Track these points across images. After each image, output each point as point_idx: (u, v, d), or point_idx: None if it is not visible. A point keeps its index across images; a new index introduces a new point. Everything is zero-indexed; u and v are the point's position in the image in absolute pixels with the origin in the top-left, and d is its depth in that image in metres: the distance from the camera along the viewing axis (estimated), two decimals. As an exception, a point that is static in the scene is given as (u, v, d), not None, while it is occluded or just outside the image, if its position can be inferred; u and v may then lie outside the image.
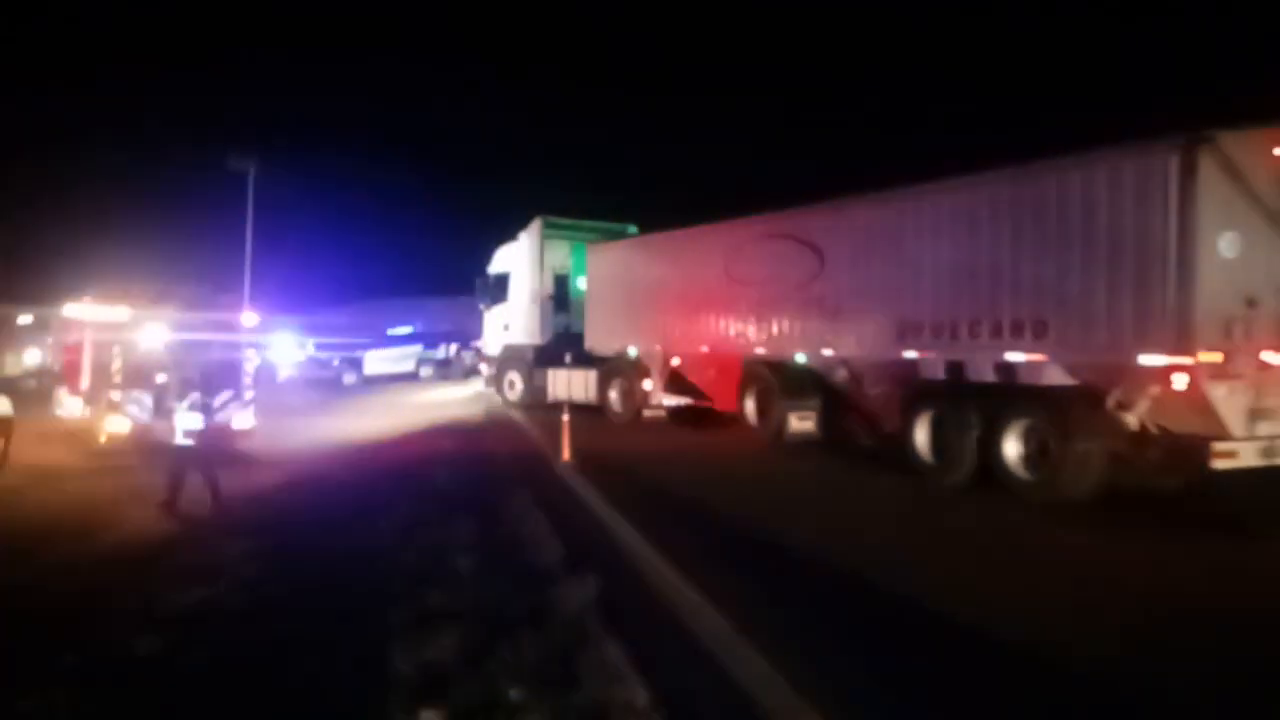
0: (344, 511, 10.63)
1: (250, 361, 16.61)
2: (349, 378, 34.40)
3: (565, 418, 14.60)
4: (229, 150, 21.70)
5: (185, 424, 11.03)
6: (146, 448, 14.91)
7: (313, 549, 8.64)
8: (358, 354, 35.25)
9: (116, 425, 14.99)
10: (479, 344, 25.75)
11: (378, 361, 36.49)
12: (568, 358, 20.83)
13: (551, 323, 21.71)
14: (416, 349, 36.27)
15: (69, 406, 16.43)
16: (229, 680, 5.31)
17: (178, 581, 7.34)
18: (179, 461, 10.93)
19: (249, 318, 17.51)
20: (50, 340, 24.17)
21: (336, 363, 36.54)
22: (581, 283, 21.05)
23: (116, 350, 15.76)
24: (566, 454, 13.67)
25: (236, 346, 16.61)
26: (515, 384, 22.22)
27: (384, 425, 20.13)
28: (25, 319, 30.77)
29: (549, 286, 21.68)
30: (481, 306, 23.73)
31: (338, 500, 11.52)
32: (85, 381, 16.00)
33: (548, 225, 21.65)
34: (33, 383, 21.50)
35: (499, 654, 5.45)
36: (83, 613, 6.66)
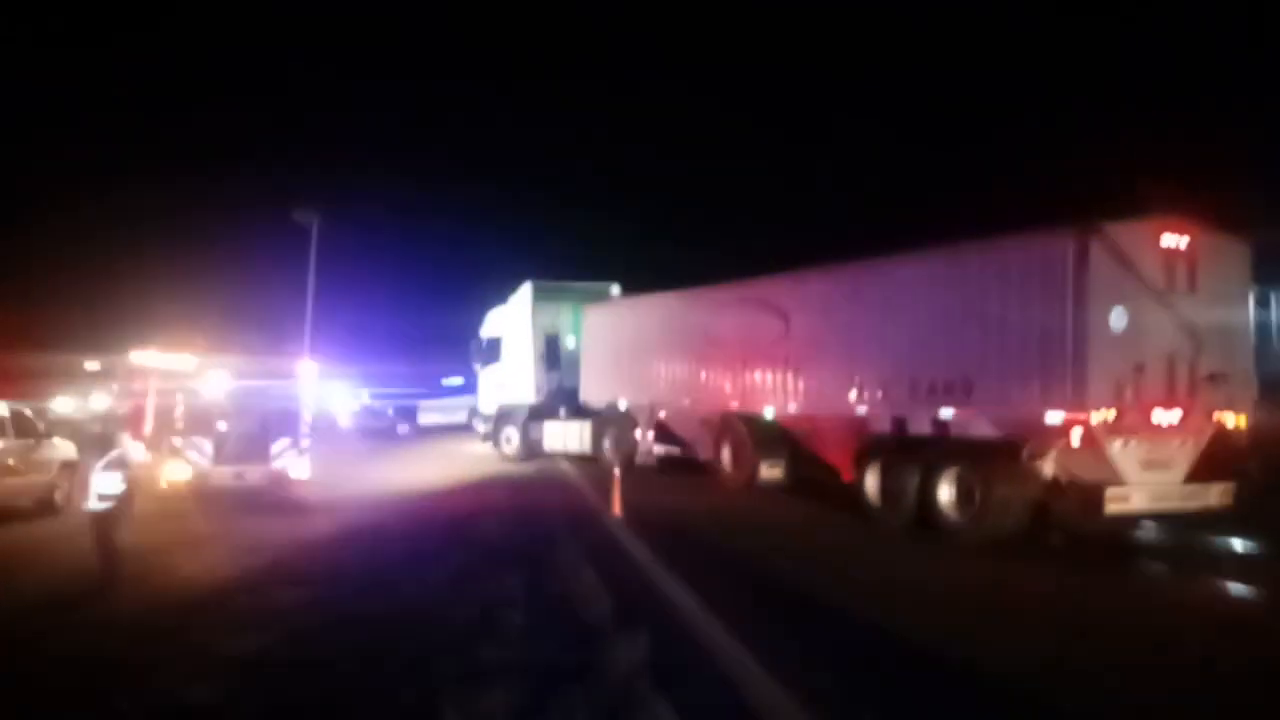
0: (396, 561, 10.67)
1: (307, 410, 16.87)
2: (402, 427, 34.82)
3: (616, 472, 14.61)
4: (293, 203, 22.30)
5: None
6: (205, 493, 15.21)
7: (365, 599, 8.66)
8: (411, 404, 35.68)
9: (177, 471, 15.26)
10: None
11: (431, 412, 36.91)
12: (561, 412, 22.29)
13: (545, 380, 22.97)
14: (469, 400, 36.63)
15: (133, 452, 16.78)
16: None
17: (232, 629, 7.39)
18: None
19: (308, 367, 17.83)
20: (116, 386, 24.81)
21: (390, 412, 36.98)
22: (570, 341, 22.84)
23: (179, 397, 16.11)
24: (617, 509, 13.65)
25: (295, 395, 16.89)
26: (512, 438, 23.35)
27: (436, 475, 20.30)
28: (93, 365, 31.67)
29: (541, 346, 23.01)
30: (476, 367, 25.08)
31: (390, 550, 11.57)
32: (148, 427, 16.35)
33: (537, 288, 23.20)
34: (98, 427, 22.02)
35: (550, 711, 5.41)
36: (139, 658, 6.72)
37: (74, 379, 31.67)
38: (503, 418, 23.64)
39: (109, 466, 10.22)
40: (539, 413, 22.78)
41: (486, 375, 24.71)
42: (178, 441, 15.48)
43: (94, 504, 9.98)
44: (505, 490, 17.94)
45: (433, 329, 24.89)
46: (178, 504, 14.75)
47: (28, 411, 14.94)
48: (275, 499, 15.31)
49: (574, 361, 22.65)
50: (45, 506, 13.90)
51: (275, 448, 15.69)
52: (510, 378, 23.61)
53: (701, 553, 11.20)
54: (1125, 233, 10.86)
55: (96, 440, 17.42)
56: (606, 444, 21.20)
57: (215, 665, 6.40)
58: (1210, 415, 11.29)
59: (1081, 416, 10.65)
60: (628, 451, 20.29)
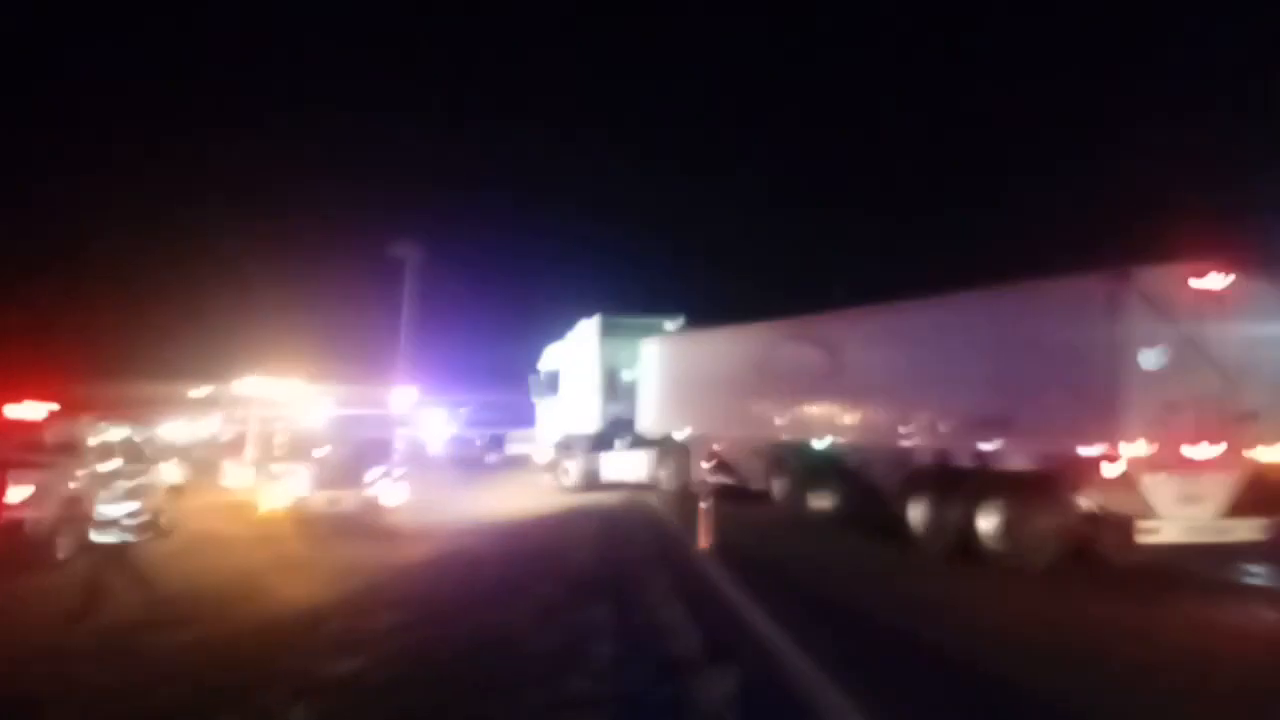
0: (486, 589, 10.79)
1: (401, 439, 17.23)
2: (491, 456, 35.20)
3: (703, 505, 14.51)
4: (392, 236, 22.91)
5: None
6: (303, 518, 15.63)
7: (457, 625, 8.78)
8: (500, 433, 36.05)
9: (276, 496, 15.71)
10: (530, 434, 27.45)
11: (519, 441, 37.24)
12: (620, 443, 22.77)
13: (605, 411, 23.15)
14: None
15: (234, 477, 17.36)
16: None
17: (329, 652, 7.56)
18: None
19: (402, 396, 18.23)
20: (220, 414, 25.70)
21: (480, 442, 37.47)
22: (628, 374, 23.07)
23: (280, 425, 16.63)
24: (704, 541, 13.56)
25: (390, 423, 17.28)
26: (571, 469, 23.53)
27: (525, 504, 20.46)
28: (198, 393, 32.88)
29: (603, 378, 23.28)
30: (534, 399, 25.49)
31: (480, 577, 11.70)
32: (250, 454, 16.90)
33: (602, 322, 23.49)
34: (203, 453, 22.83)
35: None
36: (240, 679, 6.92)
37: (179, 406, 32.92)
38: (563, 449, 24.04)
39: (120, 493, 9.46)
40: (598, 443, 23.18)
41: (545, 407, 25.16)
42: (277, 468, 15.95)
43: (98, 535, 9.21)
44: (592, 520, 17.99)
45: (521, 360, 25.40)
46: (276, 528, 15.18)
47: (138, 437, 15.58)
48: (369, 525, 15.65)
49: (632, 393, 23.05)
50: (153, 529, 14.41)
51: (369, 475, 16.06)
52: (571, 409, 23.98)
53: (783, 586, 11.13)
54: (1159, 275, 11.33)
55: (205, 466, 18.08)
56: (663, 474, 21.88)
57: (312, 687, 6.55)
58: (1244, 452, 11.40)
59: (1116, 452, 11.03)
60: (684, 481, 20.87)
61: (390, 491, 16.18)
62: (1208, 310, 11.33)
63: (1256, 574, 11.69)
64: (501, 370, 27.20)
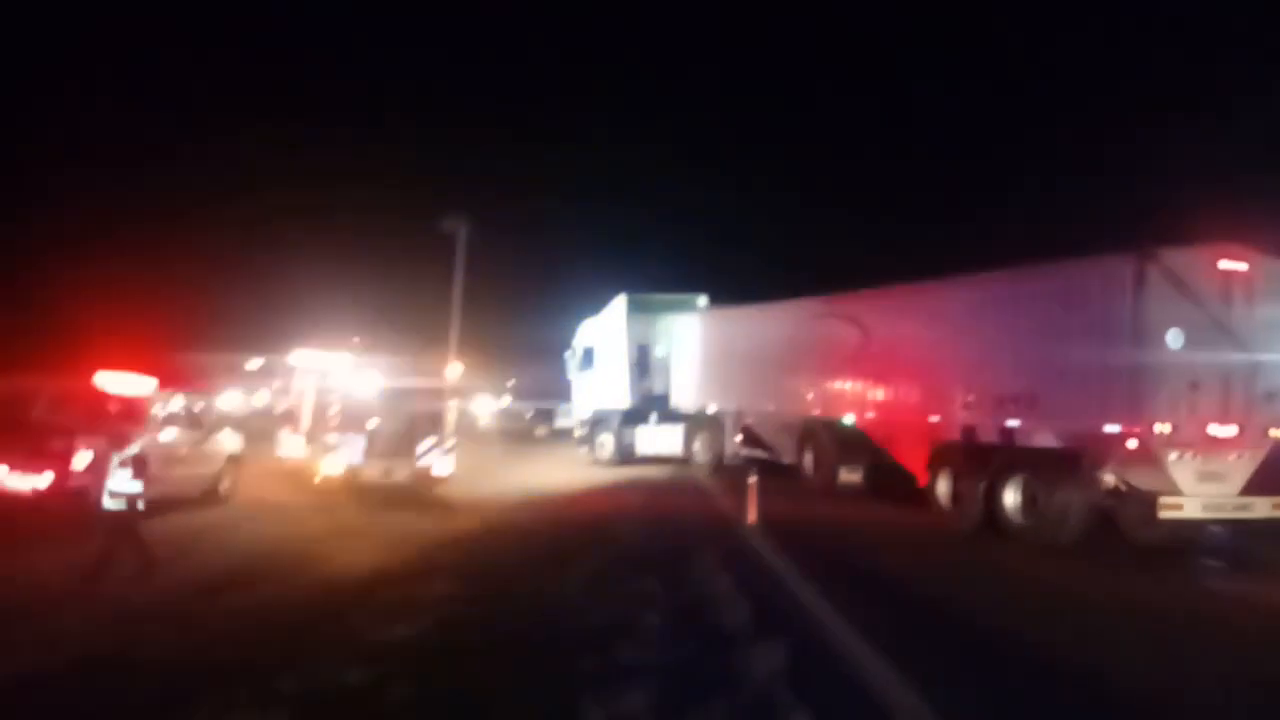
0: (536, 559, 10.89)
1: (451, 411, 17.39)
2: (540, 430, 35.48)
3: (751, 480, 14.49)
4: (441, 211, 23.05)
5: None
6: (356, 488, 15.88)
7: (506, 593, 8.87)
8: (549, 407, 36.32)
9: (331, 466, 15.97)
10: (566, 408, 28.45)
11: (568, 415, 37.42)
12: (653, 417, 23.30)
13: (637, 386, 23.70)
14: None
15: (290, 446, 17.66)
16: (432, 716, 5.50)
17: (383, 617, 7.67)
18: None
19: (453, 369, 18.40)
20: (276, 384, 26.17)
21: (529, 415, 37.74)
22: (660, 350, 23.75)
23: (334, 396, 16.88)
24: (752, 516, 13.57)
25: (441, 396, 17.45)
26: (606, 443, 23.95)
27: (572, 478, 20.62)
28: (254, 364, 33.52)
29: (634, 354, 23.76)
30: (569, 375, 26.02)
31: (530, 547, 11.82)
32: (305, 424, 17.18)
33: (631, 300, 23.98)
34: (259, 423, 23.26)
35: (690, 714, 5.42)
36: (297, 641, 7.06)
37: (236, 377, 33.59)
38: (597, 423, 24.40)
39: (125, 464, 9.61)
40: (632, 418, 23.60)
41: (580, 382, 25.56)
42: (332, 438, 16.20)
43: (109, 503, 9.40)
44: (640, 493, 18.08)
45: (566, 336, 25.72)
46: (330, 497, 15.45)
47: (197, 406, 15.90)
48: (420, 495, 15.86)
49: (664, 369, 23.71)
50: (212, 496, 14.74)
51: (421, 446, 16.25)
52: (604, 385, 24.38)
53: (826, 558, 11.16)
54: (1183, 257, 11.49)
55: (261, 435, 18.41)
56: (696, 447, 22.54)
57: (367, 651, 6.65)
58: (1266, 431, 11.72)
59: (1138, 429, 11.31)
60: (716, 454, 21.70)
61: (441, 463, 16.36)
62: (1232, 291, 11.55)
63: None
64: (549, 345, 27.39)
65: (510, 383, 42.58)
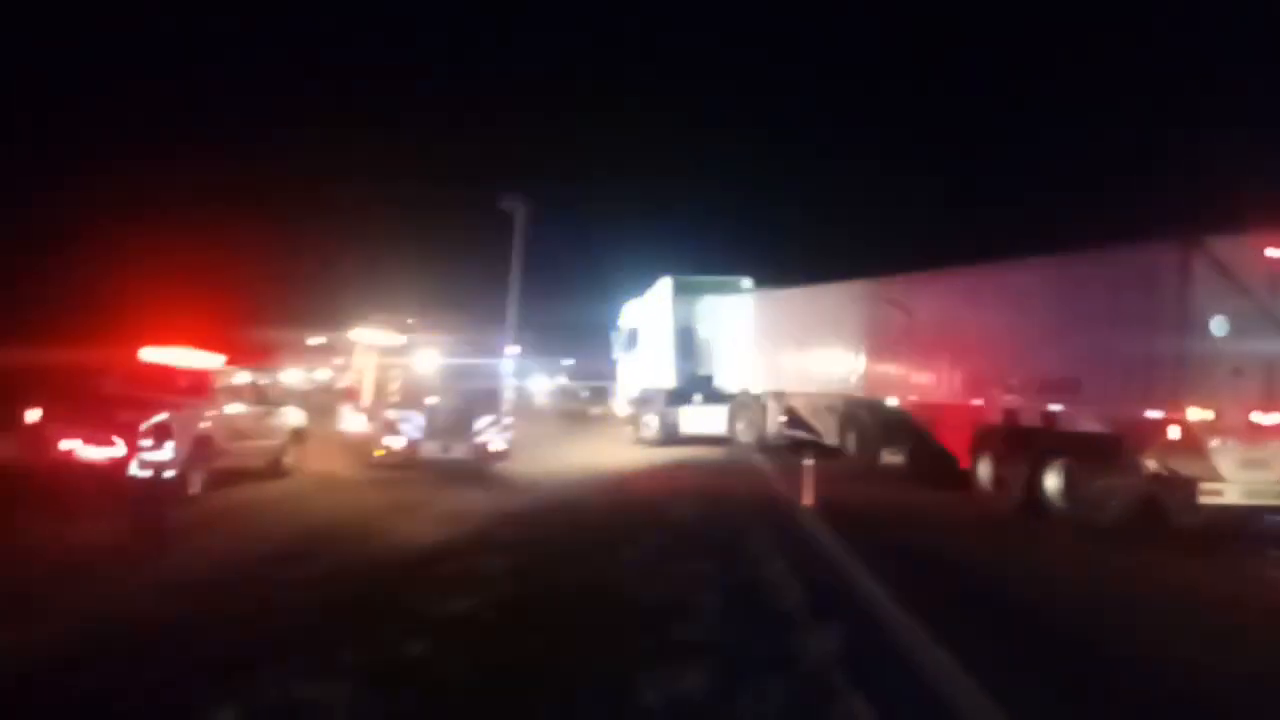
0: (591, 536, 10.96)
1: (509, 389, 17.54)
2: (596, 409, 35.64)
3: (808, 463, 14.43)
4: (499, 189, 23.14)
5: None
6: (415, 464, 16.12)
7: (564, 571, 8.94)
8: (605, 386, 36.45)
9: (391, 441, 16.22)
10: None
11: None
12: (697, 398, 23.55)
13: (681, 367, 23.87)
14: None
15: (351, 422, 17.96)
16: (489, 689, 5.57)
17: (443, 591, 7.78)
18: None
19: (511, 348, 18.53)
20: (337, 360, 26.59)
21: (585, 394, 37.92)
22: (704, 331, 23.98)
23: (395, 372, 17.12)
24: (808, 498, 13.50)
25: (498, 374, 17.60)
26: (651, 423, 24.14)
27: (626, 457, 20.71)
28: (316, 340, 34.07)
29: (678, 335, 23.96)
30: (616, 356, 26.23)
31: (585, 525, 11.90)
32: (366, 399, 17.45)
33: (676, 282, 24.20)
34: (322, 397, 23.67)
35: (745, 695, 5.41)
36: (358, 613, 7.19)
37: (299, 353, 34.19)
38: (643, 403, 24.61)
39: (148, 433, 9.86)
40: (676, 398, 23.85)
41: (626, 363, 25.78)
42: (392, 414, 16.45)
43: (137, 471, 9.75)
44: (695, 473, 18.10)
45: (616, 316, 26.10)
46: (389, 473, 15.71)
47: (263, 381, 16.23)
48: (478, 472, 16.05)
49: (708, 350, 23.91)
50: (276, 469, 15.07)
51: (479, 424, 16.43)
52: (649, 365, 24.59)
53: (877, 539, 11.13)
54: (1229, 245, 11.41)
55: (323, 409, 18.74)
56: (740, 427, 22.82)
57: (426, 624, 6.75)
58: None
59: (1180, 416, 11.31)
60: (759, 434, 22.05)
61: (499, 440, 16.52)
62: (1278, 279, 11.48)
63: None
64: (604, 325, 27.55)
65: (566, 362, 42.78)
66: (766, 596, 8.05)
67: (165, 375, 13.71)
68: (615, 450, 22.16)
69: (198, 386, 13.70)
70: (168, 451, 11.28)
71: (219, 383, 13.99)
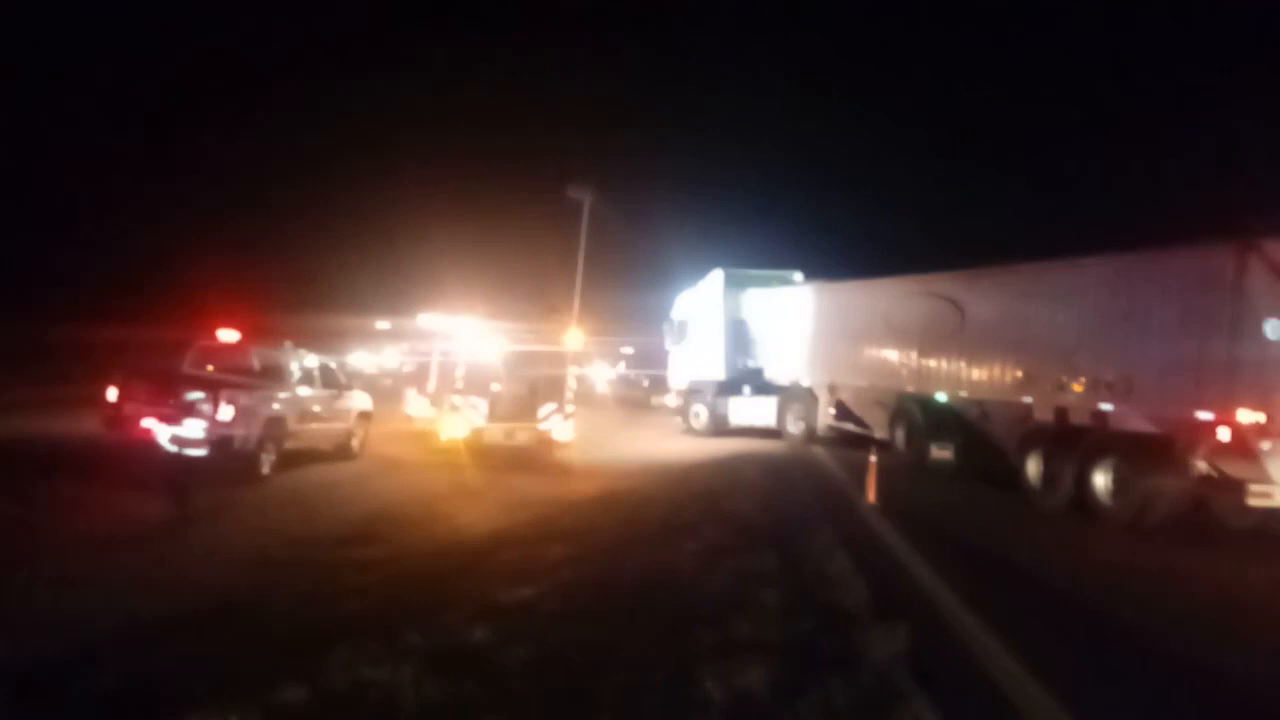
0: (652, 528, 10.92)
1: (572, 377, 17.61)
2: (656, 399, 35.62)
3: (873, 459, 14.25)
4: (566, 178, 23.21)
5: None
6: (478, 449, 16.28)
7: (625, 561, 8.93)
8: (665, 375, 36.44)
9: (456, 426, 16.40)
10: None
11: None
12: (746, 389, 23.70)
13: (732, 359, 24.03)
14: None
15: (417, 406, 18.21)
16: (550, 678, 5.58)
17: (504, 578, 7.83)
18: None
19: (574, 336, 18.60)
20: (404, 346, 26.97)
21: (646, 383, 37.91)
22: (755, 323, 24.09)
23: (459, 359, 17.30)
24: (872, 495, 13.34)
25: (562, 361, 17.69)
26: (700, 414, 24.35)
27: (688, 448, 20.65)
28: (383, 325, 34.60)
29: (729, 327, 24.10)
30: (667, 347, 26.37)
31: (646, 516, 11.88)
32: (431, 385, 17.67)
33: (727, 275, 24.34)
34: (389, 382, 24.04)
35: (808, 694, 5.36)
36: (423, 596, 7.28)
37: (367, 337, 34.76)
38: (692, 394, 24.81)
39: (189, 413, 10.22)
40: (726, 389, 23.99)
41: (677, 354, 25.95)
42: (457, 399, 16.63)
43: (169, 445, 10.13)
44: (755, 466, 17.97)
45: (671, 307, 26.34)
46: (454, 457, 15.89)
47: (332, 365, 16.54)
48: (540, 459, 16.15)
49: (758, 342, 24.07)
50: (343, 451, 15.35)
51: (543, 411, 16.53)
52: (700, 357, 24.77)
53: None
54: None
55: (389, 394, 19.02)
56: (789, 419, 23.01)
57: (490, 610, 6.80)
58: None
59: (1231, 417, 11.35)
60: (809, 427, 22.35)
61: (561, 428, 16.61)
62: None
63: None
64: (665, 315, 27.64)
65: (627, 350, 42.85)
66: (829, 594, 7.95)
67: (238, 357, 14.03)
68: (674, 441, 22.15)
69: (269, 369, 13.99)
70: (240, 432, 11.55)
71: (290, 366, 14.27)
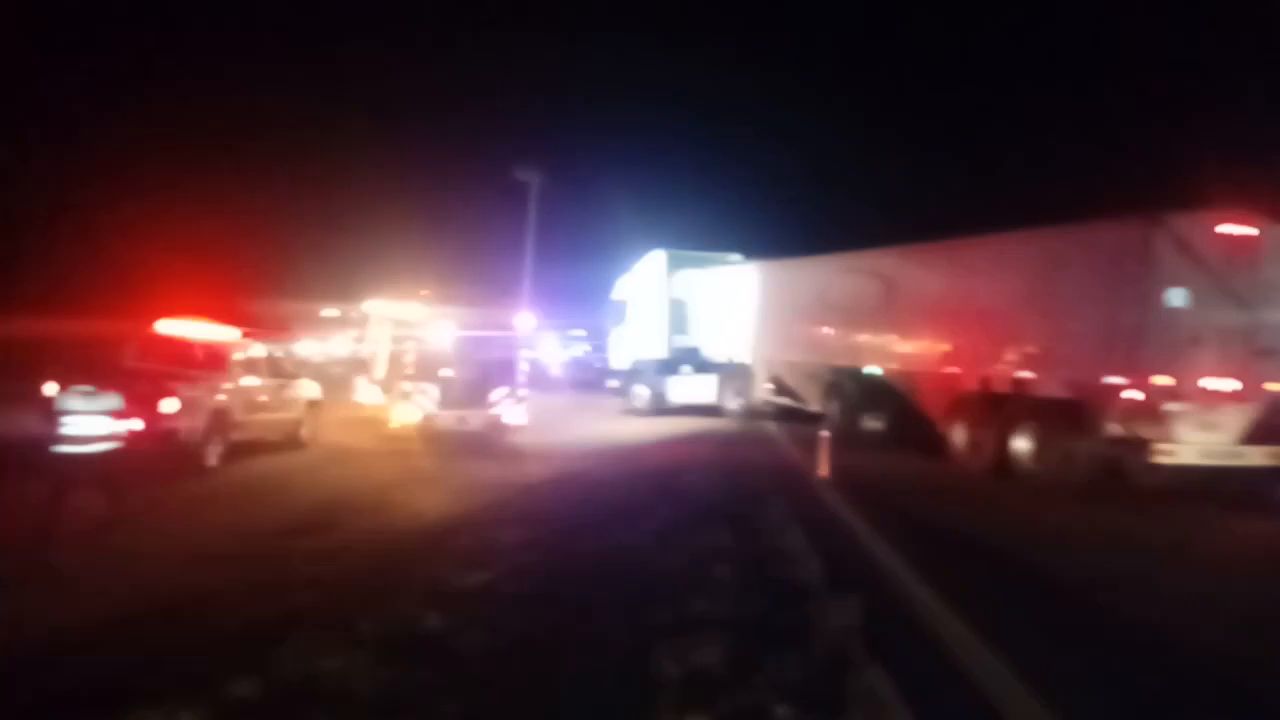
0: (607, 509, 10.95)
1: (524, 361, 17.53)
2: (612, 381, 35.60)
3: (824, 434, 14.42)
4: (513, 160, 23.04)
5: None
6: (430, 435, 16.15)
7: (580, 543, 8.94)
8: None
9: (407, 413, 16.25)
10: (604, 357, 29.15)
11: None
12: (686, 368, 24.12)
13: (671, 338, 24.64)
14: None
15: (367, 394, 18.01)
16: (508, 662, 5.57)
17: (458, 563, 7.78)
18: None
19: (525, 320, 18.50)
20: (352, 333, 26.65)
21: (598, 365, 37.81)
22: (693, 303, 24.71)
23: (409, 345, 17.13)
24: (824, 469, 13.49)
25: (513, 345, 17.59)
26: (641, 393, 24.54)
27: (642, 428, 20.69)
28: (331, 312, 34.14)
29: (668, 307, 24.71)
30: (608, 327, 26.91)
31: (601, 497, 11.89)
32: (381, 372, 17.48)
33: (665, 255, 24.96)
34: (338, 370, 23.74)
35: (763, 668, 5.40)
36: (376, 585, 7.19)
37: (314, 325, 34.25)
38: (634, 374, 25.08)
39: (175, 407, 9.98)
40: (666, 368, 24.39)
41: (618, 335, 26.35)
42: (408, 386, 16.47)
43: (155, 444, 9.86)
44: (708, 444, 18.08)
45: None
46: (405, 444, 15.74)
47: (278, 354, 16.27)
48: (493, 444, 16.07)
49: (697, 321, 24.73)
50: (292, 441, 15.13)
51: (494, 395, 16.43)
52: (640, 337, 25.22)
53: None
54: (1188, 222, 12.29)
55: (338, 382, 18.78)
56: (728, 396, 23.56)
57: (445, 596, 6.75)
58: (1263, 386, 12.46)
59: (1141, 382, 12.26)
60: (747, 403, 22.90)
61: (513, 412, 16.53)
62: (1233, 254, 12.34)
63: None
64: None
65: (579, 332, 42.76)
66: (783, 568, 8.01)
67: (181, 348, 13.75)
68: (626, 422, 22.17)
69: (214, 360, 13.73)
70: (185, 424, 11.32)
71: (235, 356, 14.01)
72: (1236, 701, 5.61)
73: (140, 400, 11.80)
